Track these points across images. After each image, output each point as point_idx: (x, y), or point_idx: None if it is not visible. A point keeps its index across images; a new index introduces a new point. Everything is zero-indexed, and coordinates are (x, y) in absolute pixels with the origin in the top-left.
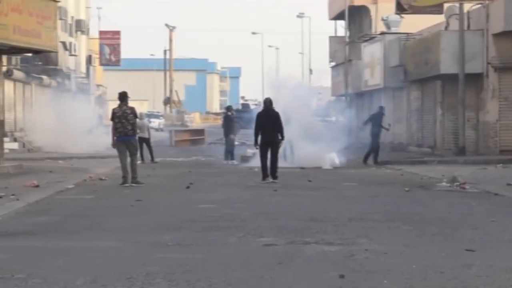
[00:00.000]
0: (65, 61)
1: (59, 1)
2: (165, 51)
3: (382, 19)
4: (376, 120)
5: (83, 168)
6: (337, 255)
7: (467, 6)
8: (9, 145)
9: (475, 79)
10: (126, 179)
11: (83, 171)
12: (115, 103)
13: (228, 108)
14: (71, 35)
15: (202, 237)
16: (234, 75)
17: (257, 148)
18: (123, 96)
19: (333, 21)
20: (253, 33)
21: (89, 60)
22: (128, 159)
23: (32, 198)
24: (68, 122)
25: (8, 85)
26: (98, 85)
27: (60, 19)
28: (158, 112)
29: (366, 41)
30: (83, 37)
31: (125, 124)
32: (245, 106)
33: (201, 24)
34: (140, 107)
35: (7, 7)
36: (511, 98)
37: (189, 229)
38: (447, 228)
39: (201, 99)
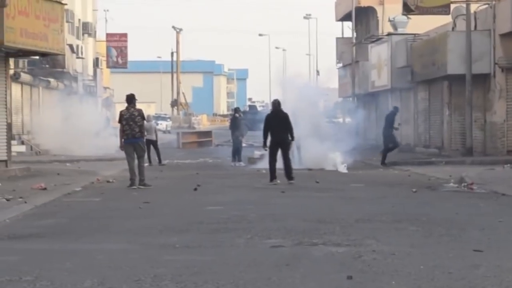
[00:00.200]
0: (72, 63)
1: (66, 4)
2: (172, 53)
3: (389, 20)
4: (388, 120)
5: (90, 170)
6: (344, 256)
7: (474, 7)
8: (16, 148)
9: (482, 80)
10: (133, 181)
11: (90, 174)
12: (122, 106)
13: (236, 110)
14: (78, 37)
15: (210, 239)
16: (241, 76)
17: (266, 150)
18: (130, 99)
19: (340, 22)
20: (260, 34)
21: (96, 62)
22: (136, 161)
23: (39, 200)
24: (76, 125)
25: (16, 88)
26: (105, 88)
27: (67, 21)
28: (165, 114)
29: (373, 42)
30: (90, 39)
31: (132, 126)
32: (252, 108)
33: (208, 26)
34: (147, 110)
35: (14, 10)
36: None
37: (197, 231)
38: (455, 229)
39: (208, 101)
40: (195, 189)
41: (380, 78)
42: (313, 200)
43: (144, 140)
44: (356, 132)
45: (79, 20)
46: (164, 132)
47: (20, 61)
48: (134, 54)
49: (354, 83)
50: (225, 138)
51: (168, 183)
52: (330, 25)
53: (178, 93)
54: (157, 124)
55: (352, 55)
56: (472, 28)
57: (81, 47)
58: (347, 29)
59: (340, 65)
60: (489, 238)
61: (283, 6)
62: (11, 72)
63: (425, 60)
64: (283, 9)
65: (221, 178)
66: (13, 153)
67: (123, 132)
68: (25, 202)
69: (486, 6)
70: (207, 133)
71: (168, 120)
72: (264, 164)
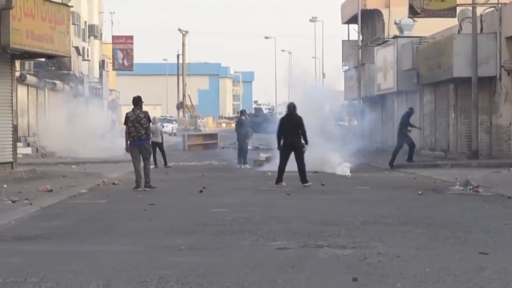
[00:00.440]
0: (78, 66)
1: (72, 6)
2: (178, 55)
3: (395, 23)
4: (402, 121)
5: (96, 172)
6: (350, 259)
7: (480, 10)
8: (22, 150)
9: (488, 83)
10: (139, 184)
11: (96, 176)
12: (128, 108)
13: (242, 112)
14: (84, 40)
15: (215, 241)
16: (247, 79)
17: (279, 150)
18: (137, 101)
19: (346, 25)
20: (266, 37)
21: (102, 65)
22: (142, 164)
23: (45, 202)
24: (81, 127)
25: (21, 90)
26: (111, 90)
27: (73, 24)
28: (171, 117)
29: (379, 44)
30: (96, 42)
31: (138, 129)
32: (258, 111)
33: (214, 28)
34: (153, 112)
35: (20, 12)
36: None
37: (202, 233)
38: (460, 232)
39: (214, 104)
40: (201, 191)
41: (386, 81)
42: (318, 202)
43: (150, 142)
44: (362, 134)
45: (85, 22)
46: (170, 134)
47: (26, 63)
48: (140, 56)
49: (360, 85)
50: (231, 141)
51: (174, 185)
52: (336, 28)
53: (184, 95)
54: (163, 127)
55: (358, 58)
56: (478, 31)
57: (87, 49)
58: (353, 32)
59: (346, 67)
60: (494, 240)
61: (289, 9)
62: (17, 74)
63: (431, 62)
64: (289, 12)
65: (226, 180)
66: (18, 155)
67: (129, 134)
68: (31, 204)
69: (492, 9)
70: (213, 136)
71: (174, 122)
72: (270, 166)
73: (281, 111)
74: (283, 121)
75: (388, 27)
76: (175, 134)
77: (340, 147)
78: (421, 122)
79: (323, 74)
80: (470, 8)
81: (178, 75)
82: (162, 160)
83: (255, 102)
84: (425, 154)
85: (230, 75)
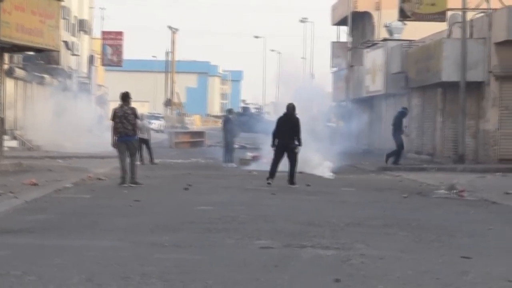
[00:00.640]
0: (67, 60)
1: (62, 1)
2: (167, 53)
3: (385, 26)
4: (395, 122)
5: (82, 167)
6: (333, 259)
7: (470, 15)
8: (8, 143)
9: (476, 88)
10: (124, 179)
11: (82, 171)
12: (116, 104)
13: (230, 111)
14: (73, 34)
15: (200, 239)
16: (235, 78)
17: (273, 149)
18: (125, 96)
19: (336, 27)
20: (256, 36)
21: (91, 60)
22: (128, 160)
23: (30, 196)
24: (68, 122)
25: (10, 83)
26: (99, 85)
27: (63, 18)
28: (158, 114)
29: (368, 47)
30: (86, 37)
31: (125, 124)
32: (246, 110)
33: (203, 27)
34: (141, 108)
35: (11, 5)
36: (511, 107)
37: (187, 231)
38: (445, 235)
39: (202, 102)
40: (186, 188)
41: (375, 83)
42: (303, 203)
43: (137, 138)
44: (349, 136)
45: (75, 17)
46: (157, 131)
47: (15, 57)
48: (129, 52)
49: (348, 87)
50: (218, 139)
51: (160, 182)
52: (326, 29)
53: (172, 92)
54: (150, 123)
55: (347, 60)
56: (468, 36)
57: (77, 44)
58: (343, 33)
59: (335, 69)
60: (478, 245)
61: (280, 9)
62: (6, 67)
63: (420, 66)
64: (280, 12)
65: (212, 179)
66: (5, 148)
67: (116, 130)
68: (16, 197)
69: (482, 14)
70: (200, 134)
71: (161, 119)
72: (256, 166)
73: (269, 111)
74: (280, 121)
75: (378, 30)
76: (162, 131)
77: (326, 148)
78: (409, 126)
79: (312, 75)
80: (460, 13)
81: (166, 72)
82: (149, 156)
83: (243, 101)
84: (411, 157)
85: (219, 74)
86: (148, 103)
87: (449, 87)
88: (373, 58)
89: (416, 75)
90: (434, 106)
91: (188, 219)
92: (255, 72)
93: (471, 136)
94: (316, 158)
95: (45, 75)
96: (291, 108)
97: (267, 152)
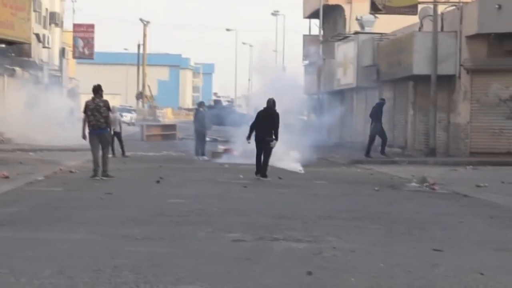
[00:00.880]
0: (38, 53)
1: None
2: (138, 45)
3: (357, 19)
4: (374, 114)
5: (53, 160)
6: (305, 252)
7: (441, 8)
8: None
9: (448, 81)
10: (96, 172)
11: (53, 163)
12: (87, 96)
13: (200, 104)
14: (45, 27)
15: (171, 232)
16: (207, 71)
17: (249, 142)
18: (97, 89)
19: (307, 20)
20: (227, 29)
21: (62, 52)
22: (100, 152)
23: (1, 189)
24: (40, 114)
25: None
26: (71, 78)
27: (35, 11)
28: (130, 107)
29: (340, 40)
30: (57, 29)
31: (97, 117)
32: (217, 103)
33: (175, 19)
34: (113, 101)
35: None
36: (482, 100)
37: (159, 223)
38: (416, 228)
39: (173, 95)
40: (158, 181)
41: (346, 76)
42: (275, 196)
43: (110, 131)
44: (320, 129)
45: (47, 9)
46: (128, 124)
47: None
48: (101, 45)
49: (320, 80)
50: (190, 132)
51: (131, 175)
52: (297, 22)
53: (143, 85)
54: (122, 116)
55: (318, 53)
56: (439, 29)
57: (48, 37)
58: (315, 26)
59: (307, 62)
60: (449, 238)
61: (251, 2)
62: None
63: (391, 59)
64: (251, 5)
65: (184, 172)
66: None
67: (88, 122)
68: None
69: (454, 7)
70: (172, 127)
71: (133, 112)
72: (227, 159)
73: (241, 104)
74: (259, 114)
75: (349, 23)
76: (133, 124)
77: (298, 141)
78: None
79: (284, 68)
80: (432, 6)
81: (138, 65)
82: (120, 149)
83: (215, 94)
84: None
85: (191, 67)
86: (119, 96)
87: (420, 80)
88: (345, 51)
89: (387, 68)
90: (405, 99)
91: (159, 212)
92: (227, 65)
93: (443, 129)
94: (286, 152)
95: (16, 68)
96: (271, 102)
97: (239, 145)
